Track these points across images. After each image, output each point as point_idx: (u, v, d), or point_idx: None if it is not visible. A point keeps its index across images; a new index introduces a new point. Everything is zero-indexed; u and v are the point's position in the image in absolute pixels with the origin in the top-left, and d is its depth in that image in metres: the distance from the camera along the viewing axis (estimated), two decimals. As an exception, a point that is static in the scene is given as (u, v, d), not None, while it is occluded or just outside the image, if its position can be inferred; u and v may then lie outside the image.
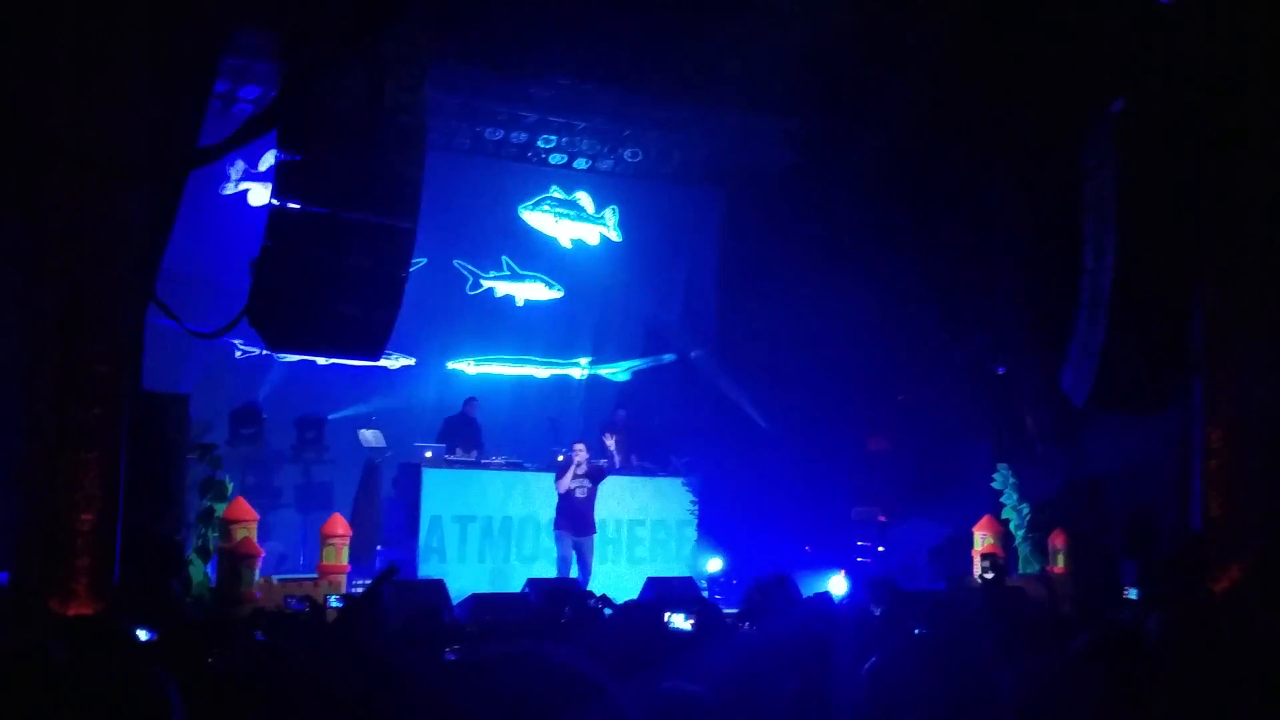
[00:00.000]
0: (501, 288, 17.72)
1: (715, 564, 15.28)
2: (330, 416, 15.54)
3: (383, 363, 15.19)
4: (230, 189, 15.76)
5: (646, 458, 16.19)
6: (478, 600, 12.03)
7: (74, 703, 2.98)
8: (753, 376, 17.22)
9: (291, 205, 10.87)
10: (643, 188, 18.30)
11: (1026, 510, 14.73)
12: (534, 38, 13.13)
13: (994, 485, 15.01)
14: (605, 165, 17.71)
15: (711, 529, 16.01)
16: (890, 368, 16.65)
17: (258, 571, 11.59)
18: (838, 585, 13.04)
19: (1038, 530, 14.63)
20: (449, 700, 2.00)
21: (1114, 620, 8.57)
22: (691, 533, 16.01)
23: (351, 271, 11.01)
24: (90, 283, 9.70)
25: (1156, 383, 12.97)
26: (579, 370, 18.38)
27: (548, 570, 14.22)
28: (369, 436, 15.21)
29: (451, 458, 14.91)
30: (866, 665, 5.53)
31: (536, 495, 14.90)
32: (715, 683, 4.92)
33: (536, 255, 17.93)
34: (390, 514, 15.11)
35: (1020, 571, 14.58)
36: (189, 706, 3.13)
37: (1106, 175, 12.76)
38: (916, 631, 7.72)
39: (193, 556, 11.36)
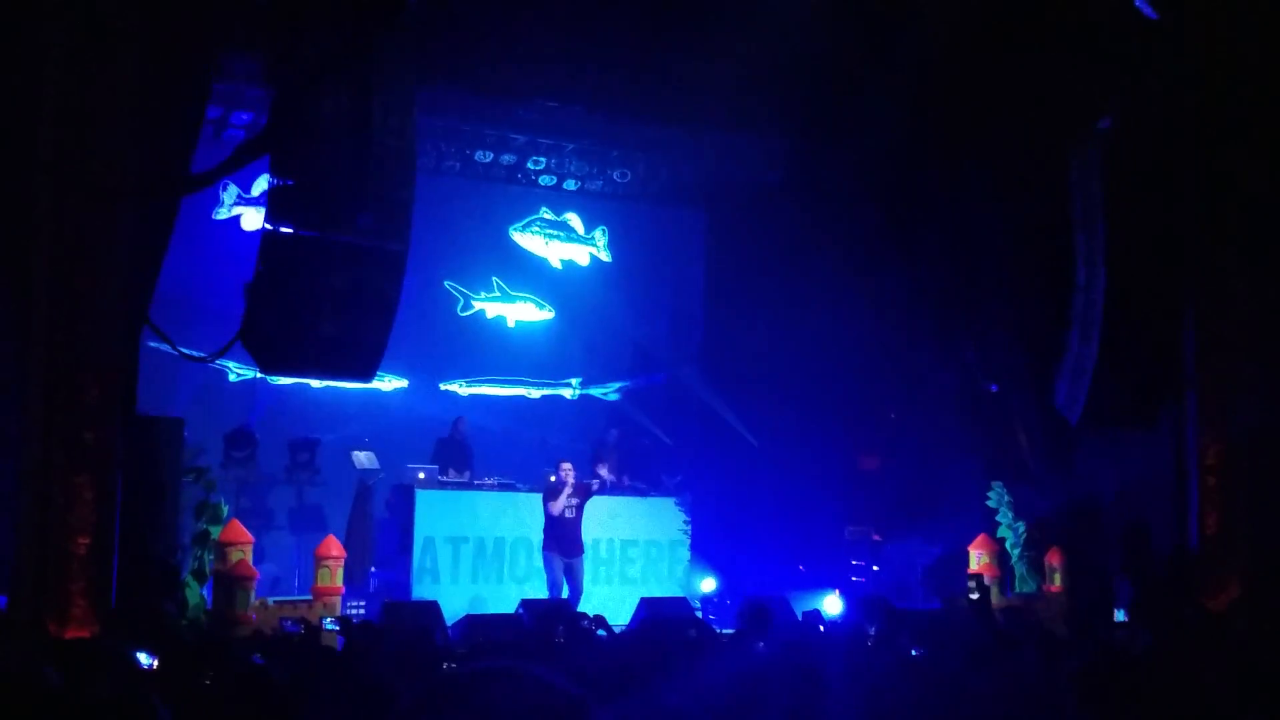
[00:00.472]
0: (493, 309, 17.76)
1: (709, 584, 15.27)
2: (323, 439, 15.53)
3: (375, 385, 15.18)
4: (223, 213, 15.80)
5: (638, 478, 16.20)
6: (471, 621, 12.05)
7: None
8: (743, 395, 17.24)
9: (284, 229, 10.91)
10: (631, 208, 18.36)
11: (1022, 528, 14.75)
12: (521, 61, 13.22)
13: (989, 503, 15.02)
14: (594, 186, 17.77)
15: (704, 549, 16.00)
16: (881, 386, 16.68)
17: (253, 594, 11.59)
18: (832, 604, 13.08)
19: (1034, 549, 14.64)
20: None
21: (1108, 641, 8.62)
22: (684, 553, 16.00)
23: (344, 294, 11.05)
24: (83, 306, 9.72)
25: (1150, 399, 13.03)
26: (570, 390, 18.41)
27: (541, 591, 14.20)
28: (362, 458, 15.20)
29: (444, 479, 14.92)
30: (862, 688, 5.58)
31: (529, 516, 14.89)
32: (710, 701, 4.96)
33: (527, 276, 17.97)
34: (383, 535, 15.10)
35: (1016, 590, 14.59)
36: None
37: (1095, 193, 12.83)
38: (914, 653, 7.77)
39: (188, 579, 11.36)
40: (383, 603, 12.63)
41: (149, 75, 10.04)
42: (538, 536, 14.53)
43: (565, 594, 13.91)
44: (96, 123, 9.74)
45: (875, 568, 15.71)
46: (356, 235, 10.99)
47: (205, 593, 11.52)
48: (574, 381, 18.37)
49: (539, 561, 14.63)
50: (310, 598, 12.34)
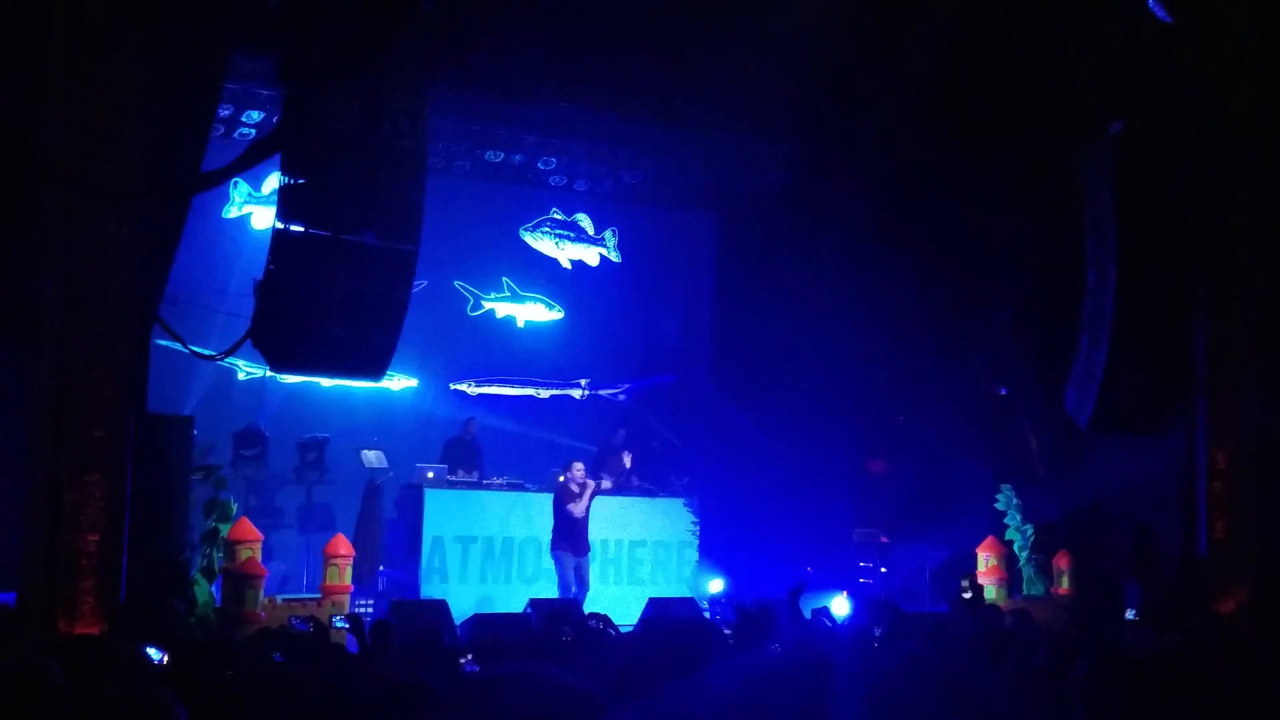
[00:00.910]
0: (502, 309, 17.79)
1: (716, 585, 15.27)
2: (332, 438, 15.56)
3: (385, 384, 15.22)
4: (233, 212, 15.84)
5: (647, 478, 16.22)
6: (479, 620, 12.05)
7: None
8: (752, 397, 17.24)
9: (295, 228, 10.93)
10: (642, 210, 18.38)
11: (1030, 531, 14.74)
12: (532, 62, 13.22)
13: (997, 506, 15.02)
14: (605, 187, 17.78)
15: (712, 550, 16.02)
16: (890, 388, 16.68)
17: (262, 592, 11.62)
18: (840, 606, 13.07)
19: (1041, 552, 14.63)
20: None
21: (1115, 644, 8.60)
22: (692, 553, 16.02)
23: (354, 294, 11.07)
24: (94, 305, 9.75)
25: (1159, 404, 13.00)
26: (579, 391, 18.43)
27: (549, 590, 14.22)
28: (371, 457, 15.23)
29: (453, 478, 14.94)
30: (867, 686, 5.58)
31: (537, 516, 14.92)
32: (717, 703, 4.96)
33: (537, 276, 17.99)
34: (392, 534, 15.13)
35: (1024, 593, 14.58)
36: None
37: (1106, 196, 12.80)
38: (916, 652, 7.76)
39: (197, 577, 11.39)
40: (391, 602, 12.65)
41: (159, 75, 10.06)
42: (546, 536, 14.55)
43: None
44: (107, 121, 9.76)
45: (883, 570, 15.71)
46: (367, 235, 11.01)
47: (214, 590, 11.55)
48: (583, 382, 18.39)
49: (547, 561, 14.65)
50: (319, 596, 12.36)
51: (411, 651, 7.94)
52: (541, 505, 14.89)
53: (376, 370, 11.75)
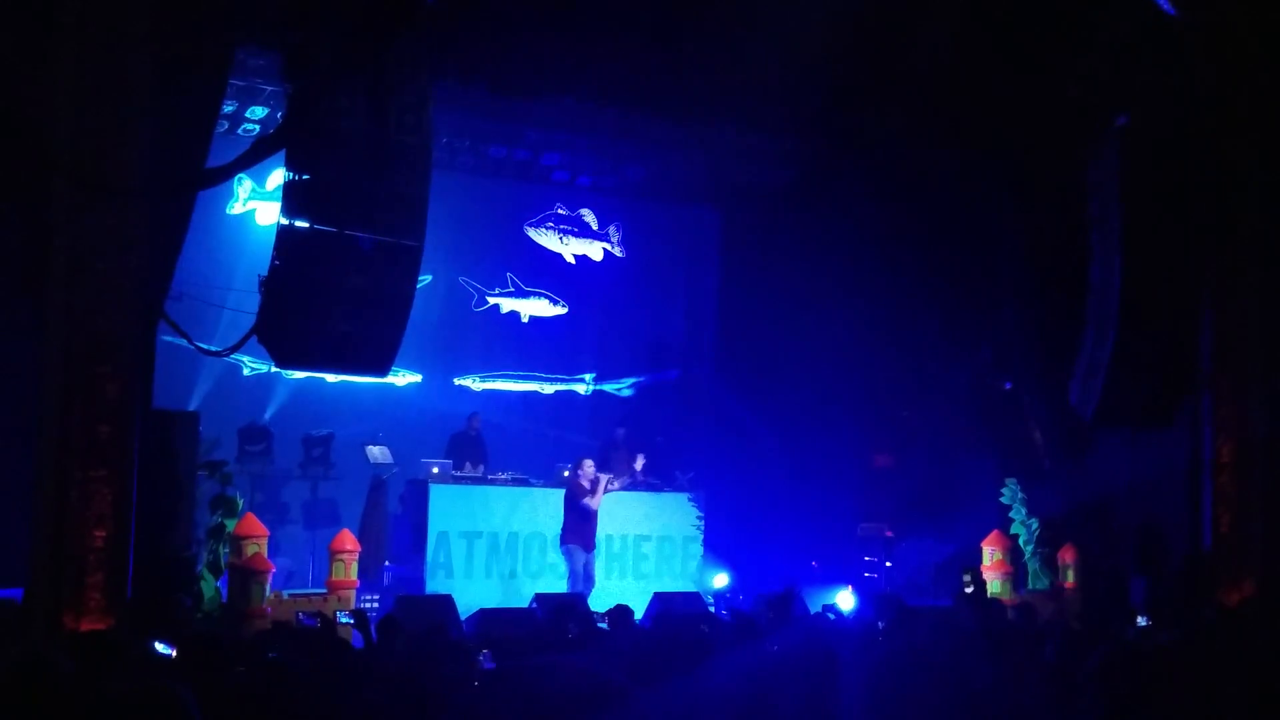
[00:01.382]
0: (506, 304, 17.80)
1: (721, 579, 15.30)
2: (337, 433, 15.58)
3: (389, 379, 15.23)
4: (238, 208, 15.85)
5: (652, 473, 16.23)
6: (485, 615, 12.06)
7: (91, 716, 3.02)
8: (757, 392, 17.26)
9: (299, 224, 10.95)
10: (645, 205, 18.39)
11: (1035, 526, 14.74)
12: (535, 58, 13.22)
13: (1003, 500, 15.02)
14: (608, 182, 17.79)
15: (717, 544, 16.03)
16: (894, 383, 16.69)
17: (268, 587, 11.63)
18: (845, 600, 13.09)
19: (1047, 545, 14.64)
20: (480, 712, 2.06)
21: (1124, 637, 8.61)
22: (697, 548, 16.03)
23: (359, 289, 11.09)
24: (100, 302, 9.75)
25: (1164, 398, 13.00)
26: (584, 386, 18.44)
27: (554, 585, 14.24)
28: (376, 453, 15.25)
29: (458, 474, 14.96)
30: (868, 672, 5.60)
31: (542, 510, 14.94)
32: (724, 694, 4.98)
33: (541, 272, 18.00)
34: (397, 530, 15.14)
35: (1030, 587, 14.58)
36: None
37: (1112, 190, 12.80)
38: (919, 645, 7.78)
39: (204, 572, 11.41)
40: (396, 597, 12.66)
41: (165, 71, 10.07)
42: (551, 531, 14.57)
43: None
44: (113, 118, 9.76)
45: (888, 564, 15.72)
46: (372, 230, 11.03)
47: (220, 586, 11.57)
48: (587, 377, 18.41)
49: (552, 556, 14.67)
50: (325, 591, 12.38)
51: (418, 647, 7.95)
52: (546, 500, 14.91)
53: (381, 366, 11.76)
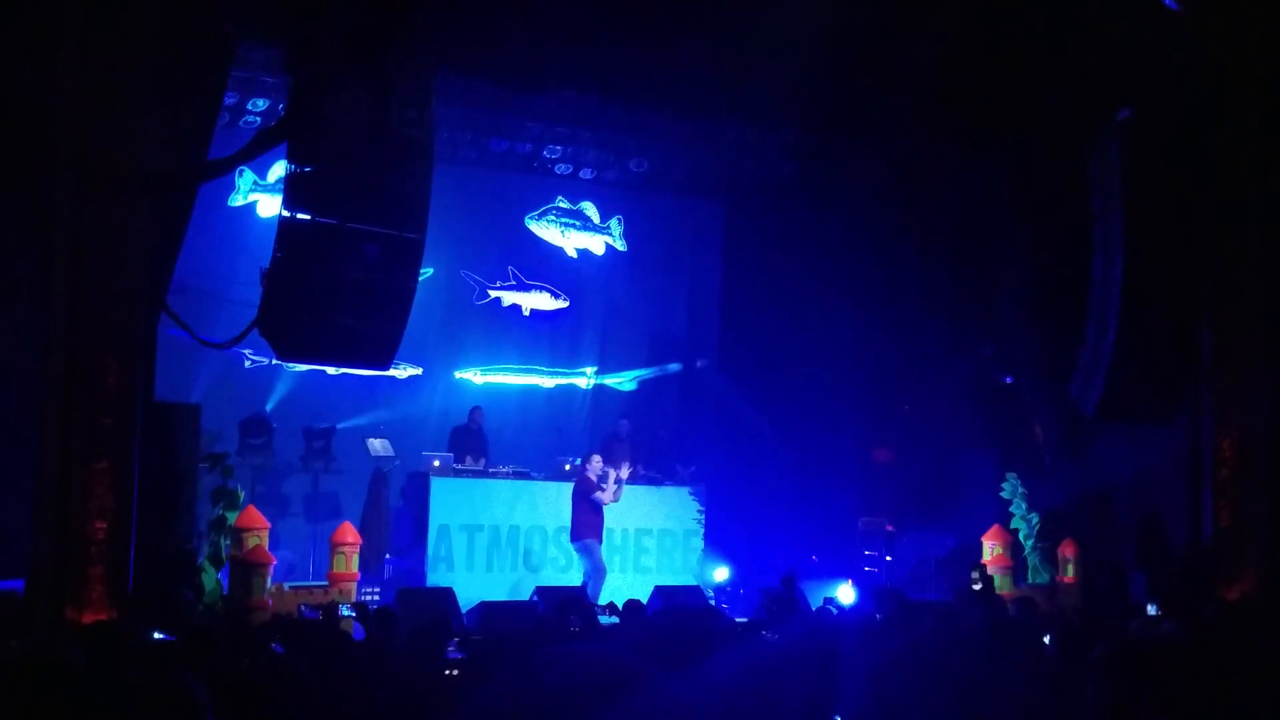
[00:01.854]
0: (508, 297, 17.78)
1: (722, 573, 15.31)
2: (338, 426, 15.58)
3: (391, 372, 15.22)
4: (239, 200, 15.84)
5: (653, 467, 16.23)
6: (486, 608, 12.09)
7: (104, 709, 3.02)
8: (758, 386, 17.27)
9: (301, 216, 10.95)
10: (647, 198, 18.36)
11: (1036, 520, 14.75)
12: (538, 51, 13.21)
13: (1003, 495, 15.03)
14: (610, 175, 17.77)
15: (718, 538, 16.04)
16: (895, 378, 16.70)
17: (269, 579, 11.65)
18: (846, 594, 13.11)
19: (1047, 540, 14.65)
20: (498, 699, 2.06)
21: (1127, 631, 8.61)
22: (698, 542, 16.04)
23: (360, 282, 11.09)
24: (101, 294, 9.76)
25: (1165, 393, 13.00)
26: (585, 380, 18.44)
27: (555, 579, 14.27)
28: (377, 446, 15.25)
29: (459, 467, 14.97)
30: (869, 667, 5.60)
31: (543, 504, 14.96)
32: (727, 689, 4.98)
33: (542, 265, 17.98)
34: (398, 523, 15.15)
35: (1030, 581, 14.60)
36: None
37: (1114, 185, 12.79)
38: (919, 638, 7.79)
39: (205, 564, 11.42)
40: (398, 590, 12.68)
41: (167, 63, 10.07)
42: (552, 524, 14.59)
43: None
44: (116, 110, 9.76)
45: (888, 558, 15.73)
46: (373, 223, 11.03)
47: (221, 578, 11.58)
48: (589, 371, 18.40)
49: (554, 549, 14.70)
50: (326, 584, 12.40)
51: (420, 639, 7.96)
52: (547, 494, 14.94)
53: (383, 359, 11.77)
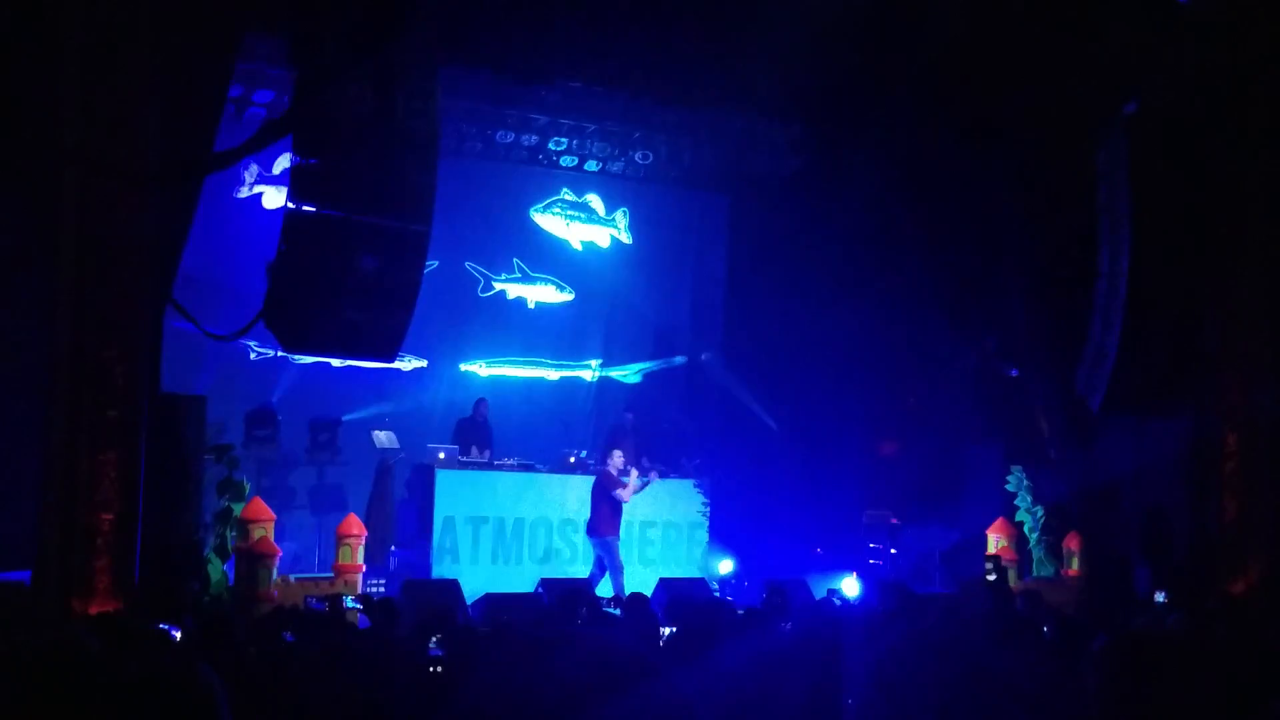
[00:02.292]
0: (513, 290, 17.79)
1: (726, 566, 15.32)
2: (344, 418, 15.60)
3: (396, 365, 15.25)
4: (244, 192, 15.84)
5: (657, 460, 16.25)
6: (491, 600, 12.11)
7: (120, 698, 3.03)
8: (763, 379, 17.27)
9: (306, 209, 10.94)
10: (653, 190, 18.36)
11: (1040, 513, 14.75)
12: (543, 42, 13.20)
13: (1008, 488, 15.03)
14: (616, 168, 17.76)
15: (723, 531, 16.05)
16: (900, 371, 16.69)
17: (275, 571, 11.67)
18: (850, 587, 13.12)
19: (1052, 533, 14.65)
20: (506, 686, 2.07)
21: (1132, 623, 8.62)
22: (703, 534, 16.05)
23: (366, 274, 11.09)
24: (107, 286, 9.78)
25: (1171, 386, 12.99)
26: (590, 372, 18.44)
27: (560, 571, 14.30)
28: (382, 438, 15.27)
29: (464, 459, 14.99)
30: (874, 657, 5.61)
31: (548, 497, 14.98)
32: (732, 680, 5.00)
33: (548, 257, 17.98)
34: (403, 515, 15.17)
35: (1034, 574, 14.60)
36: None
37: (1120, 177, 12.77)
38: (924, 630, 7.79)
39: (211, 556, 11.45)
40: (403, 581, 12.70)
41: (173, 56, 10.08)
42: (557, 516, 14.63)
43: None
44: (121, 104, 9.78)
45: (893, 551, 15.74)
46: (379, 215, 11.03)
47: (227, 569, 11.60)
48: (594, 363, 18.39)
49: (559, 541, 14.72)
50: (332, 575, 12.42)
51: (426, 630, 7.98)
52: (552, 486, 14.97)
53: (389, 350, 11.78)
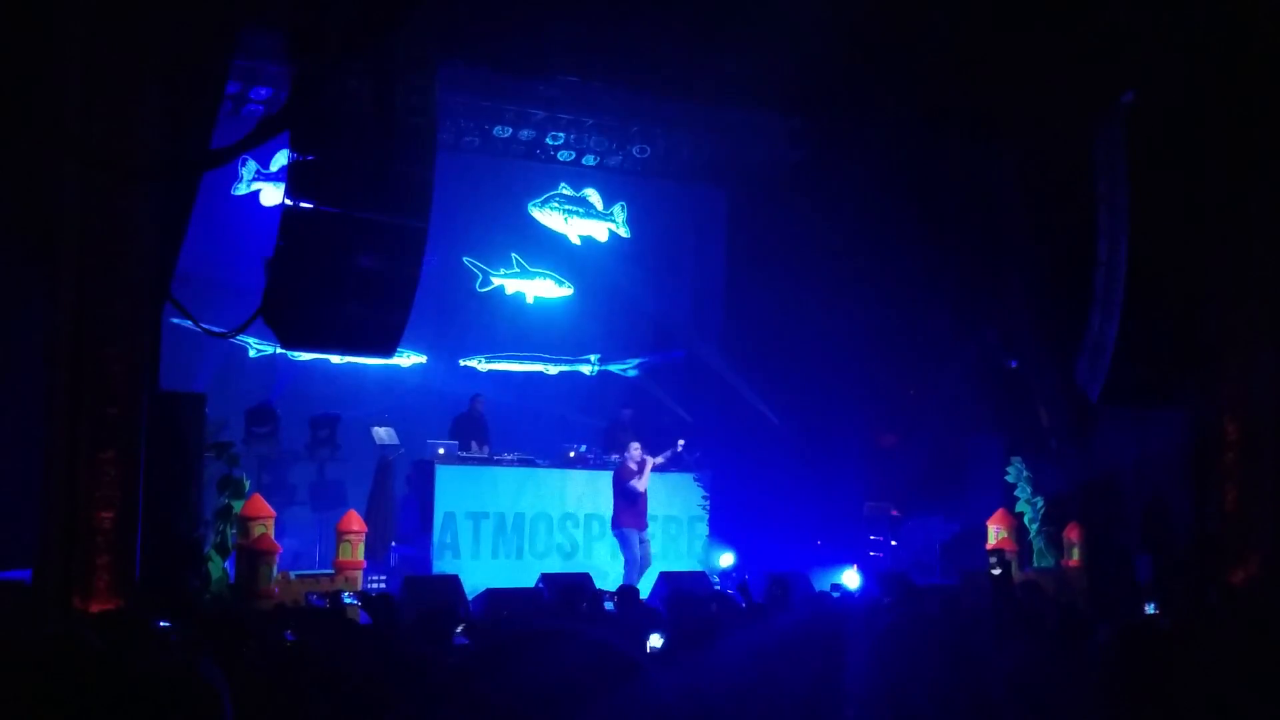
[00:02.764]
0: (511, 285, 17.78)
1: (727, 559, 15.32)
2: (343, 415, 15.59)
3: (395, 361, 15.23)
4: (242, 189, 15.84)
5: (657, 454, 16.23)
6: (491, 595, 12.11)
7: (122, 696, 3.03)
8: (763, 372, 17.24)
9: (305, 205, 10.96)
10: (651, 184, 18.33)
11: (1041, 504, 14.74)
12: (541, 37, 13.19)
13: (1008, 479, 15.02)
14: (614, 161, 17.72)
15: (723, 524, 16.05)
16: (900, 363, 16.67)
17: (275, 568, 11.67)
18: (851, 579, 13.13)
19: (1052, 524, 14.64)
20: (481, 684, 2.06)
21: (1134, 615, 8.64)
22: (703, 528, 16.05)
23: (364, 270, 11.11)
24: (106, 284, 9.78)
25: (1171, 376, 12.97)
26: (589, 367, 18.43)
27: (560, 566, 14.30)
28: (382, 434, 15.26)
29: (464, 454, 14.99)
30: (875, 649, 5.60)
31: (548, 492, 14.98)
32: (733, 672, 5.00)
33: (546, 252, 17.97)
34: (404, 511, 15.17)
35: (1035, 565, 14.59)
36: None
37: (1119, 168, 12.75)
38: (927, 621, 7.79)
39: (211, 553, 11.44)
40: (404, 578, 12.70)
41: (171, 52, 10.07)
42: (557, 511, 14.61)
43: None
44: (118, 101, 9.77)
45: (894, 543, 15.74)
46: (377, 211, 11.03)
47: (228, 567, 11.60)
48: (592, 358, 18.39)
49: (559, 536, 14.72)
50: (332, 572, 12.42)
51: (427, 626, 7.98)
52: (552, 481, 14.96)
53: (387, 346, 11.79)
